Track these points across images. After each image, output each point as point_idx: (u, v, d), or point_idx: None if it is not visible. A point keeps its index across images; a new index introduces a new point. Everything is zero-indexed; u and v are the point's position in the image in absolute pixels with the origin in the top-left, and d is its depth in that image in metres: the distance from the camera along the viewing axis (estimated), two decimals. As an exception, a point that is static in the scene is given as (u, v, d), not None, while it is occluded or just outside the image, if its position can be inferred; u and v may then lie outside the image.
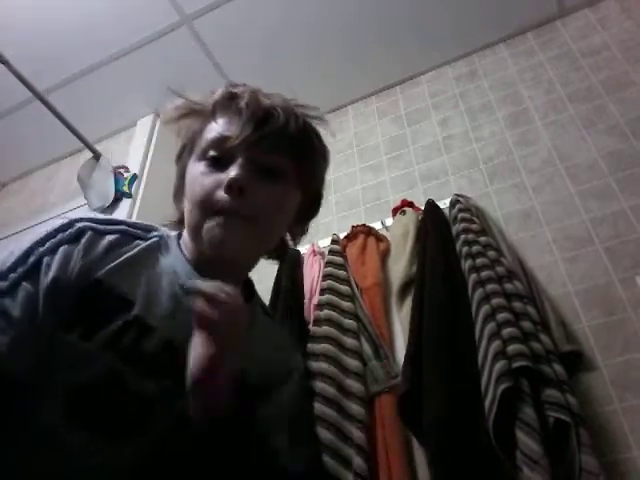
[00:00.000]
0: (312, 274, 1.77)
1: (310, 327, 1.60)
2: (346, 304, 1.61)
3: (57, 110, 1.96)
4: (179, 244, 0.74)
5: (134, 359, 0.58)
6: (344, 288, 1.66)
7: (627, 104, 1.79)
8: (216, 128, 0.70)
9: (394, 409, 1.38)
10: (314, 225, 2.10)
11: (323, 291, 1.65)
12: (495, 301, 1.35)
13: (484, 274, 1.43)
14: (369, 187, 2.11)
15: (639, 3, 2.01)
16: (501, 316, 1.32)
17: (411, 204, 1.86)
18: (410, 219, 1.77)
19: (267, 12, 2.08)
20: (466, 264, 1.49)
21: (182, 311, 0.62)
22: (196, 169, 0.69)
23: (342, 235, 1.91)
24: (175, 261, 0.69)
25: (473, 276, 1.44)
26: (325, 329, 1.54)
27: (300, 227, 0.79)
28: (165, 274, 0.67)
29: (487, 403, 1.20)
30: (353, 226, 1.90)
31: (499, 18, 2.16)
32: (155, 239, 0.71)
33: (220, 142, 0.68)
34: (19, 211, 2.58)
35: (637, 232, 1.52)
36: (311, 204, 0.78)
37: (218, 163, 0.68)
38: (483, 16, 2.14)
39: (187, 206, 0.70)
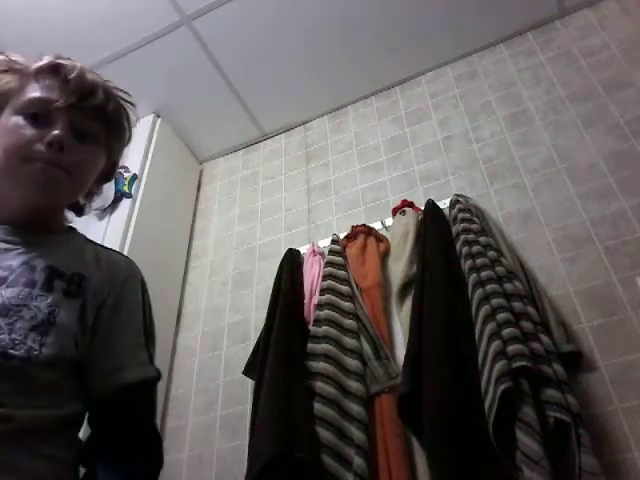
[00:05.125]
0: (312, 274, 1.77)
1: (310, 327, 1.60)
2: (346, 304, 1.61)
3: (57, 110, 1.96)
4: None
5: None
6: (344, 288, 1.66)
7: (627, 104, 1.79)
8: (40, 89, 0.78)
9: (394, 409, 1.38)
10: (314, 225, 2.13)
11: (323, 291, 1.66)
12: (495, 301, 1.36)
13: (484, 274, 1.43)
14: (369, 187, 2.11)
15: (639, 3, 2.01)
16: (501, 316, 1.32)
17: (411, 204, 1.86)
18: (410, 219, 1.78)
19: (267, 12, 2.08)
20: (466, 264, 1.49)
21: None
22: (13, 121, 0.76)
23: (342, 235, 1.91)
24: None
25: (473, 276, 1.44)
26: (325, 329, 1.54)
27: (97, 187, 0.91)
28: None
29: (487, 403, 1.20)
30: (353, 226, 1.90)
31: (499, 18, 2.16)
32: None
33: (44, 103, 0.76)
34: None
35: (637, 232, 1.52)
36: (109, 171, 0.91)
37: (36, 120, 0.76)
38: (483, 16, 2.14)
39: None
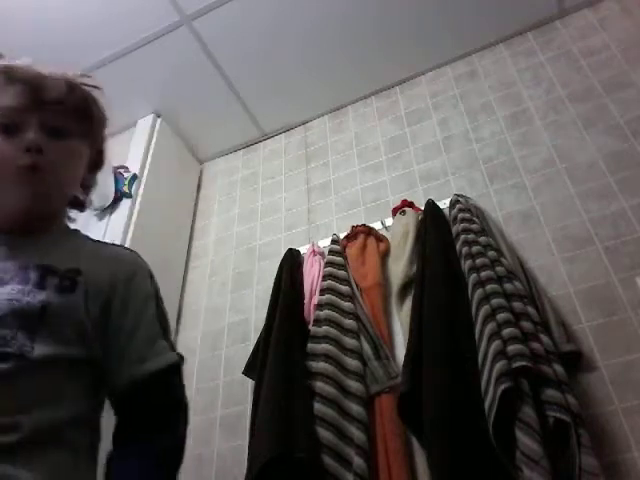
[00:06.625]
0: (312, 274, 1.77)
1: (310, 327, 1.60)
2: (346, 304, 1.61)
3: (57, 110, 1.96)
4: None
5: None
6: (344, 288, 1.66)
7: (627, 104, 1.78)
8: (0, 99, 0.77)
9: (394, 409, 1.38)
10: (314, 225, 2.13)
11: (323, 291, 1.66)
12: (495, 301, 1.36)
13: (484, 274, 1.43)
14: (369, 187, 2.11)
15: (639, 3, 2.00)
16: (501, 316, 1.32)
17: (411, 204, 1.86)
18: (410, 219, 1.77)
19: (267, 12, 2.08)
20: (466, 264, 1.49)
21: None
22: None
23: (342, 235, 1.91)
24: None
25: (473, 276, 1.44)
26: (325, 329, 1.54)
27: (90, 179, 0.91)
28: None
29: (487, 403, 1.20)
30: (353, 226, 1.90)
31: (499, 18, 2.16)
32: None
33: (8, 111, 0.77)
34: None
35: (637, 232, 1.52)
36: (97, 159, 0.90)
37: (7, 130, 0.76)
38: (483, 16, 2.14)
39: None
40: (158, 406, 0.76)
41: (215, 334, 2.00)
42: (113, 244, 0.92)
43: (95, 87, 0.87)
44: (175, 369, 0.81)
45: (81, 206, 0.92)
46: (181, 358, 0.82)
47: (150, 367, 0.76)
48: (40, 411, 0.65)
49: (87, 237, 0.90)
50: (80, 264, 0.78)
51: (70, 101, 0.81)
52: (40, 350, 0.67)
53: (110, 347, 0.76)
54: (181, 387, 0.82)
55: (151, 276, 0.88)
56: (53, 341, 0.69)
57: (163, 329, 0.83)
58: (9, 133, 0.76)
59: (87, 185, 0.91)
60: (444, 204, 1.79)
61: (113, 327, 0.77)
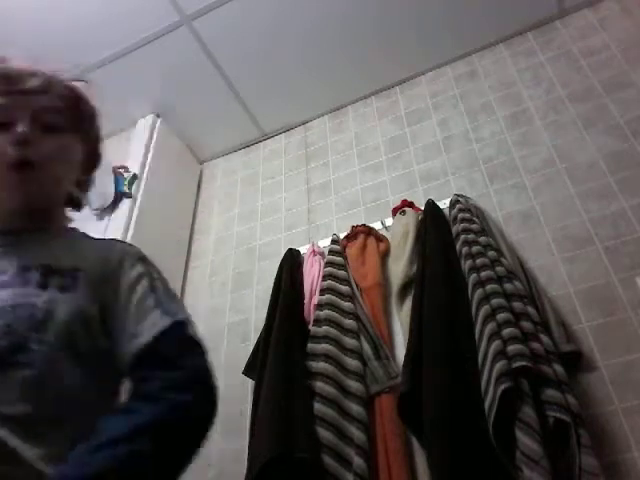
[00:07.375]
0: (312, 274, 1.77)
1: (310, 327, 1.60)
2: (346, 304, 1.61)
3: (57, 110, 1.96)
4: None
5: None
6: (344, 288, 1.66)
7: (627, 104, 1.79)
8: None
9: (394, 409, 1.38)
10: (314, 225, 2.12)
11: (323, 291, 1.66)
12: (495, 301, 1.36)
13: (484, 274, 1.43)
14: (369, 187, 2.11)
15: (639, 3, 2.01)
16: (501, 316, 1.32)
17: (411, 204, 1.86)
18: (410, 219, 1.77)
19: (267, 12, 2.08)
20: (466, 264, 1.49)
21: None
22: None
23: (342, 235, 1.91)
24: None
25: (473, 276, 1.44)
26: (325, 329, 1.54)
27: (86, 176, 0.91)
28: None
29: (487, 403, 1.20)
30: (353, 226, 1.90)
31: (499, 18, 2.16)
32: None
33: None
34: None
35: (637, 232, 1.52)
36: (92, 156, 0.90)
37: (1, 127, 0.77)
38: (483, 16, 2.14)
39: None
40: (153, 378, 0.69)
41: (215, 334, 2.00)
42: (109, 239, 0.91)
43: (82, 80, 0.88)
44: (171, 333, 0.73)
45: (77, 205, 0.91)
46: (176, 319, 0.75)
47: (140, 341, 0.71)
48: (52, 402, 0.66)
49: (83, 234, 0.89)
50: (78, 262, 0.78)
51: (55, 92, 0.81)
52: (48, 349, 0.66)
53: (112, 335, 0.75)
54: (183, 350, 0.74)
55: (142, 259, 0.86)
56: (62, 340, 0.68)
57: (157, 300, 0.78)
58: (2, 130, 0.76)
59: (83, 184, 0.90)
60: (444, 204, 1.80)
61: (112, 315, 0.76)
